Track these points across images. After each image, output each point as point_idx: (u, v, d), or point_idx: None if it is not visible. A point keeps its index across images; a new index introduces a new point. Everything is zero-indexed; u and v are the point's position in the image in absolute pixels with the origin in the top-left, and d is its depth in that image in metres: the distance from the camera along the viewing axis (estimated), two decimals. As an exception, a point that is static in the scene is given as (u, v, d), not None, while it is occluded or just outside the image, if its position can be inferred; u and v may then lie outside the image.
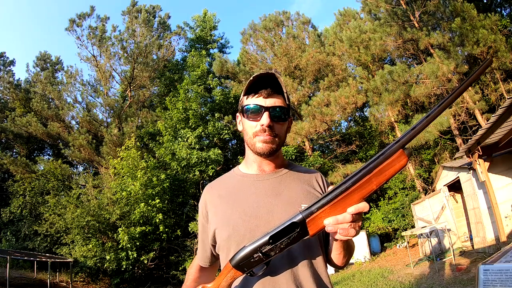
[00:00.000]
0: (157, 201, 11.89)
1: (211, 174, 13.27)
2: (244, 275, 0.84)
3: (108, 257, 11.46)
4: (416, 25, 11.87)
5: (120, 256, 11.49)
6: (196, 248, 1.15)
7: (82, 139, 15.53)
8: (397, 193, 13.81)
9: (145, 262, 12.12)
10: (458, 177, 8.08)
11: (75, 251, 12.27)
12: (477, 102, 10.69)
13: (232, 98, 16.40)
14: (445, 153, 13.11)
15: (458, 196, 9.39)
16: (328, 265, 0.97)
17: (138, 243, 11.69)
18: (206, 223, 1.01)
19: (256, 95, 0.94)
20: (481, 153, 6.06)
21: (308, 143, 15.84)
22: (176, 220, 13.37)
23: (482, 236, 7.27)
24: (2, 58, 20.37)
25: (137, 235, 11.54)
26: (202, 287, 0.91)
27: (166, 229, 12.28)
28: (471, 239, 8.31)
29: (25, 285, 10.98)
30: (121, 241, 11.33)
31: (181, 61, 21.36)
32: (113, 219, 12.19)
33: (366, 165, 0.72)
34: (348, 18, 16.49)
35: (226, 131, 14.96)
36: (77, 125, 18.07)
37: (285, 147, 13.82)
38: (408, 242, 9.76)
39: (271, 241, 0.76)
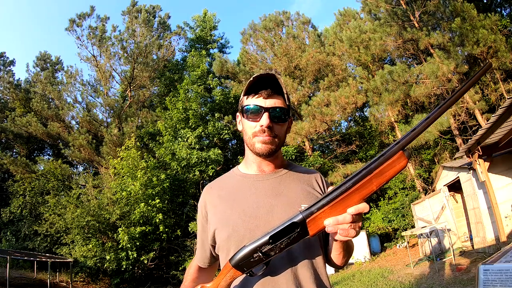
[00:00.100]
0: (157, 201, 11.90)
1: (211, 174, 13.27)
2: (244, 275, 0.84)
3: (108, 257, 11.46)
4: (416, 25, 11.87)
5: (120, 256, 11.49)
6: (196, 248, 1.16)
7: (82, 139, 15.53)
8: (397, 193, 13.81)
9: (145, 262, 12.12)
10: (458, 177, 8.08)
11: (75, 251, 12.28)
12: (477, 102, 10.69)
13: (232, 98, 16.40)
14: (445, 153, 13.11)
15: (458, 196, 9.39)
16: (327, 265, 0.97)
17: (138, 243, 11.69)
18: (206, 224, 1.01)
19: (256, 96, 0.95)
20: (481, 153, 6.06)
21: (308, 143, 15.84)
22: (176, 220, 13.37)
23: (482, 236, 7.27)
24: (2, 58, 20.38)
25: (137, 235, 11.54)
26: (201, 286, 0.91)
27: (166, 229, 12.28)
28: (471, 239, 8.31)
29: (25, 285, 10.98)
30: (121, 241, 11.33)
31: (181, 61, 21.36)
32: (113, 219, 12.19)
33: (366, 166, 0.72)
34: (348, 18, 16.49)
35: (226, 131, 14.97)
36: (77, 125, 18.08)
37: (285, 147, 13.82)
38: (408, 242, 9.76)
39: (271, 241, 0.76)
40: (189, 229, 12.19)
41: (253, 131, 0.95)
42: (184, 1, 47.00)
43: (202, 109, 15.37)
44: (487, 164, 6.16)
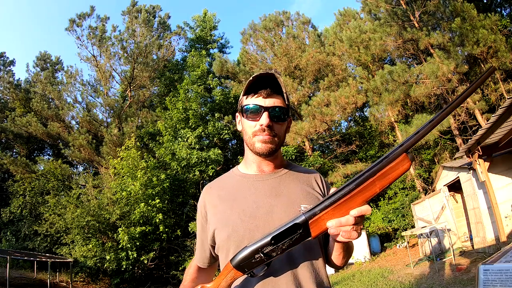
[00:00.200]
0: (157, 201, 11.89)
1: (211, 174, 13.27)
2: (245, 275, 0.84)
3: (108, 257, 11.46)
4: (416, 25, 11.87)
5: (120, 256, 11.49)
6: (196, 249, 1.16)
7: (82, 139, 15.53)
8: (397, 193, 13.82)
9: (145, 262, 12.11)
10: (458, 177, 8.08)
11: (75, 251, 12.27)
12: (477, 102, 10.69)
13: (232, 98, 16.40)
14: (445, 153, 13.11)
15: (458, 196, 9.39)
16: (327, 265, 0.97)
17: (138, 243, 11.69)
18: (205, 224, 1.01)
19: (256, 95, 0.95)
20: (481, 153, 6.06)
21: (308, 143, 15.84)
22: (176, 220, 13.37)
23: (482, 236, 7.27)
24: (2, 58, 20.38)
25: (137, 235, 11.54)
26: (201, 287, 0.91)
27: (166, 229, 12.27)
28: (471, 239, 8.31)
29: (25, 285, 10.98)
30: (121, 241, 11.32)
31: (181, 61, 21.36)
32: (113, 219, 12.19)
33: (370, 168, 0.72)
34: (348, 18, 16.49)
35: (226, 131, 14.96)
36: (77, 125, 18.08)
37: (285, 147, 13.82)
38: (408, 242, 9.76)
39: (273, 242, 0.76)
40: (189, 229, 12.19)
41: (253, 130, 0.95)
42: (184, 1, 47.03)
43: (202, 109, 15.37)
44: (487, 164, 6.16)
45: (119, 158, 12.91)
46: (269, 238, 0.76)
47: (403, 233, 9.71)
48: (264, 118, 0.92)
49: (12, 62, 20.77)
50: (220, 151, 13.70)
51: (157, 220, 11.82)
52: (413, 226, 11.15)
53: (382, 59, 15.22)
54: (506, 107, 4.70)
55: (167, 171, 13.47)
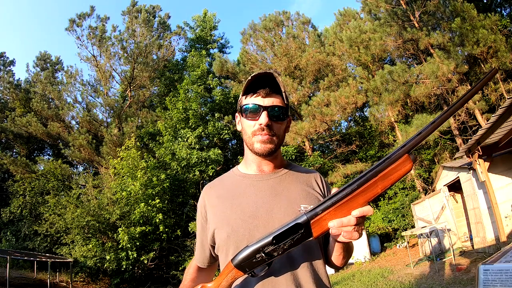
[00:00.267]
0: (157, 201, 11.89)
1: (211, 174, 13.27)
2: (245, 275, 0.84)
3: (108, 257, 11.45)
4: (416, 25, 11.87)
5: (120, 256, 11.48)
6: (196, 248, 1.16)
7: (82, 139, 15.53)
8: (397, 193, 13.81)
9: (145, 262, 12.11)
10: (458, 177, 8.08)
11: (75, 251, 12.27)
12: (477, 102, 10.69)
13: (232, 98, 16.40)
14: (445, 153, 13.11)
15: (458, 196, 9.39)
16: (327, 265, 0.97)
17: (138, 243, 11.68)
18: (205, 224, 1.01)
19: (255, 95, 0.95)
20: (481, 153, 6.06)
21: (308, 143, 15.84)
22: (176, 220, 13.37)
23: (482, 236, 7.27)
24: (2, 58, 20.37)
25: (137, 235, 11.54)
26: (202, 286, 0.91)
27: (166, 229, 12.27)
28: (471, 239, 8.31)
29: (25, 285, 10.98)
30: (121, 241, 11.32)
31: (181, 61, 21.36)
32: (113, 219, 12.19)
33: (372, 169, 0.72)
34: (348, 18, 16.49)
35: (226, 131, 14.96)
36: (77, 125, 18.08)
37: (285, 147, 13.82)
38: (408, 242, 9.76)
39: (274, 241, 0.76)
40: (189, 229, 12.19)
41: (252, 129, 0.95)
42: (184, 1, 47.01)
43: (202, 109, 15.37)
44: (487, 164, 6.16)
45: (119, 158, 12.91)
46: (270, 238, 0.76)
47: (403, 233, 9.70)
48: (263, 118, 0.92)
49: (12, 62, 20.77)
50: (220, 151, 13.70)
51: (157, 220, 11.81)
52: (413, 226, 11.14)
53: (382, 59, 15.22)
54: (506, 107, 4.70)
55: (167, 171, 13.46)
